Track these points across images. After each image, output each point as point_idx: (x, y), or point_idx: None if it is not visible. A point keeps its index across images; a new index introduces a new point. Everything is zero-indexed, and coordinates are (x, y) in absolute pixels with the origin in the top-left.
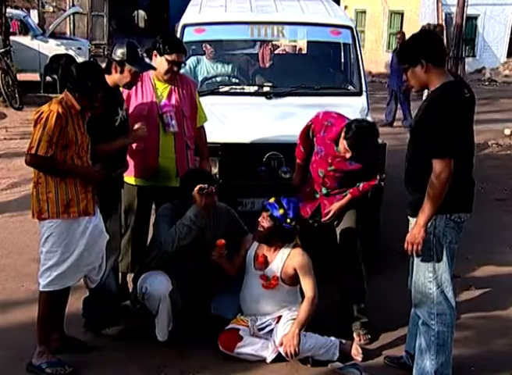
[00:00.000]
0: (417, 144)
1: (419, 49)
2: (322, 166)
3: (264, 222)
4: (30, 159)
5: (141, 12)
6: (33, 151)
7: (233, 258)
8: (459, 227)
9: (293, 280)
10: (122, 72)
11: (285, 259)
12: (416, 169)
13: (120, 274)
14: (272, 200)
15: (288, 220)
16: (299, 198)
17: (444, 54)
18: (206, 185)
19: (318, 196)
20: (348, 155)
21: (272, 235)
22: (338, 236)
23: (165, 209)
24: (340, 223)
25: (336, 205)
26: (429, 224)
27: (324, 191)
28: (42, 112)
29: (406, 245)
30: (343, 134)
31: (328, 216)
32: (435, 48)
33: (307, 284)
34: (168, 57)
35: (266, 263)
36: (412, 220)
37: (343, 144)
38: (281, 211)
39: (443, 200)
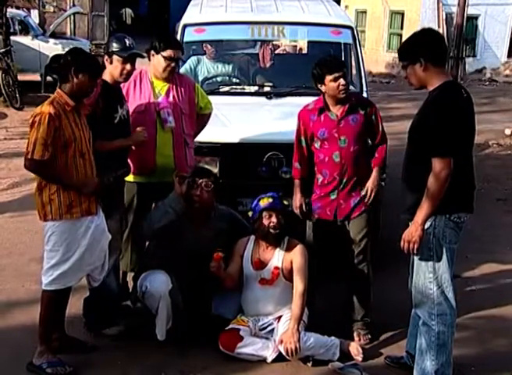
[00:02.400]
0: (417, 144)
1: (419, 47)
2: (334, 148)
3: (277, 221)
4: (29, 164)
5: (128, 10)
6: (29, 155)
7: (230, 266)
8: (458, 228)
9: (292, 274)
10: (112, 62)
11: (282, 254)
12: (414, 169)
13: (120, 273)
14: (266, 200)
15: (285, 202)
16: (314, 204)
17: (445, 54)
18: (187, 175)
19: (333, 197)
20: (336, 81)
21: (286, 225)
22: (350, 238)
23: (157, 210)
24: (357, 223)
25: (369, 185)
26: (429, 224)
27: (343, 184)
28: (35, 115)
29: (402, 243)
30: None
31: (369, 198)
32: (435, 47)
33: (299, 278)
34: (164, 53)
35: (263, 263)
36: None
37: (327, 81)
38: (270, 200)
39: (443, 200)
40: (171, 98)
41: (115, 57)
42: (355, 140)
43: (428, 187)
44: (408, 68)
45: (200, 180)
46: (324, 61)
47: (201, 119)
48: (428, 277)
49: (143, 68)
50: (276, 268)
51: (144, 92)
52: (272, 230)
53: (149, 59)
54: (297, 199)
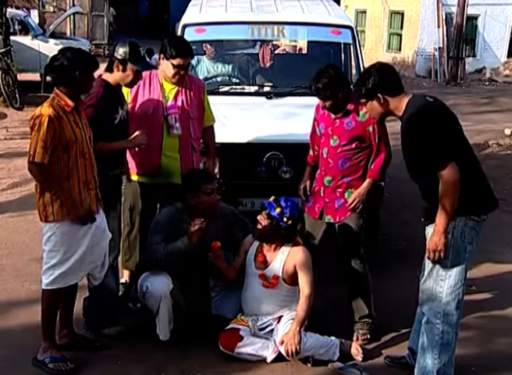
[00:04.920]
0: (417, 166)
1: (373, 85)
2: (326, 144)
3: (262, 220)
4: (30, 167)
5: (110, 8)
6: (31, 159)
7: (234, 260)
8: (479, 227)
9: (294, 279)
10: (124, 70)
11: (285, 258)
12: (429, 188)
13: (128, 273)
14: (271, 199)
15: (285, 219)
16: (309, 198)
17: (400, 82)
18: (200, 223)
19: (322, 194)
20: (321, 101)
21: (269, 233)
22: (341, 240)
23: (163, 214)
24: (344, 227)
25: (356, 193)
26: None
27: (326, 181)
28: (35, 118)
29: (428, 254)
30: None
31: (350, 205)
32: (390, 80)
33: (304, 281)
34: (174, 61)
35: (266, 263)
36: (429, 228)
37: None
38: (278, 210)
39: (461, 203)
40: (179, 102)
41: (129, 66)
42: (345, 143)
43: (440, 196)
44: (368, 104)
45: (210, 186)
46: (315, 80)
47: (206, 131)
48: (441, 275)
49: (153, 70)
50: (275, 278)
51: (154, 94)
52: (256, 226)
53: (149, 58)
54: (302, 181)
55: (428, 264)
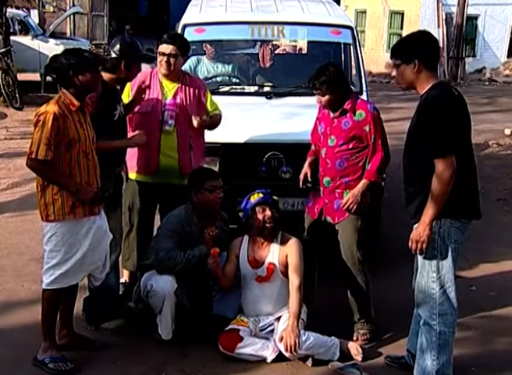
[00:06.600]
0: (416, 146)
1: (415, 48)
2: (324, 144)
3: (268, 214)
4: (31, 164)
5: None
6: (33, 155)
7: (225, 268)
8: (464, 228)
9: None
10: (118, 67)
11: (278, 250)
12: (417, 172)
13: (128, 273)
14: (256, 196)
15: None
16: (310, 198)
17: (438, 58)
18: (216, 230)
19: (322, 195)
20: (318, 96)
21: (281, 223)
22: (339, 241)
23: (173, 217)
24: (343, 228)
25: (350, 194)
26: (434, 224)
27: (325, 182)
28: (40, 115)
29: (410, 244)
30: None
31: (344, 205)
32: (430, 51)
33: (294, 272)
34: (159, 49)
35: (259, 263)
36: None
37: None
38: (275, 197)
39: (449, 205)
40: (178, 100)
41: (122, 62)
42: (342, 143)
43: (432, 187)
44: (400, 68)
45: (213, 183)
46: (313, 76)
47: (213, 118)
48: (432, 277)
49: (154, 68)
50: (271, 264)
51: (153, 92)
52: (267, 224)
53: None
54: (303, 169)
55: (418, 266)
